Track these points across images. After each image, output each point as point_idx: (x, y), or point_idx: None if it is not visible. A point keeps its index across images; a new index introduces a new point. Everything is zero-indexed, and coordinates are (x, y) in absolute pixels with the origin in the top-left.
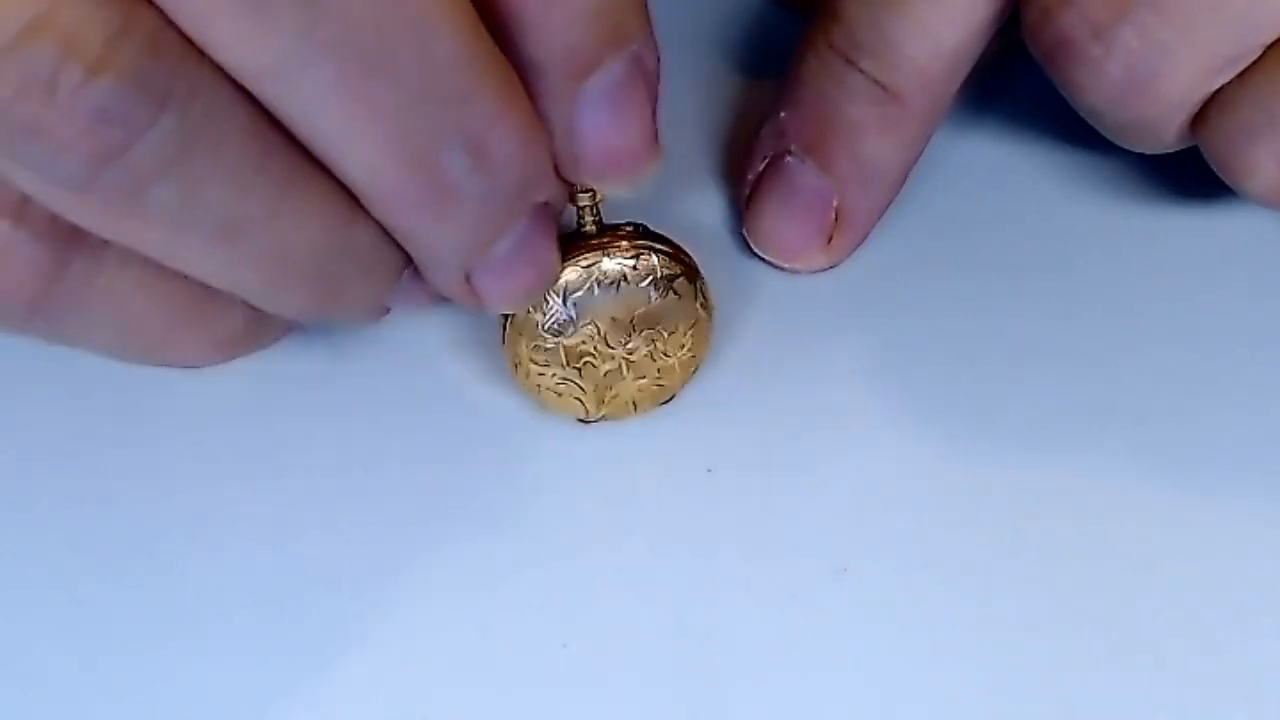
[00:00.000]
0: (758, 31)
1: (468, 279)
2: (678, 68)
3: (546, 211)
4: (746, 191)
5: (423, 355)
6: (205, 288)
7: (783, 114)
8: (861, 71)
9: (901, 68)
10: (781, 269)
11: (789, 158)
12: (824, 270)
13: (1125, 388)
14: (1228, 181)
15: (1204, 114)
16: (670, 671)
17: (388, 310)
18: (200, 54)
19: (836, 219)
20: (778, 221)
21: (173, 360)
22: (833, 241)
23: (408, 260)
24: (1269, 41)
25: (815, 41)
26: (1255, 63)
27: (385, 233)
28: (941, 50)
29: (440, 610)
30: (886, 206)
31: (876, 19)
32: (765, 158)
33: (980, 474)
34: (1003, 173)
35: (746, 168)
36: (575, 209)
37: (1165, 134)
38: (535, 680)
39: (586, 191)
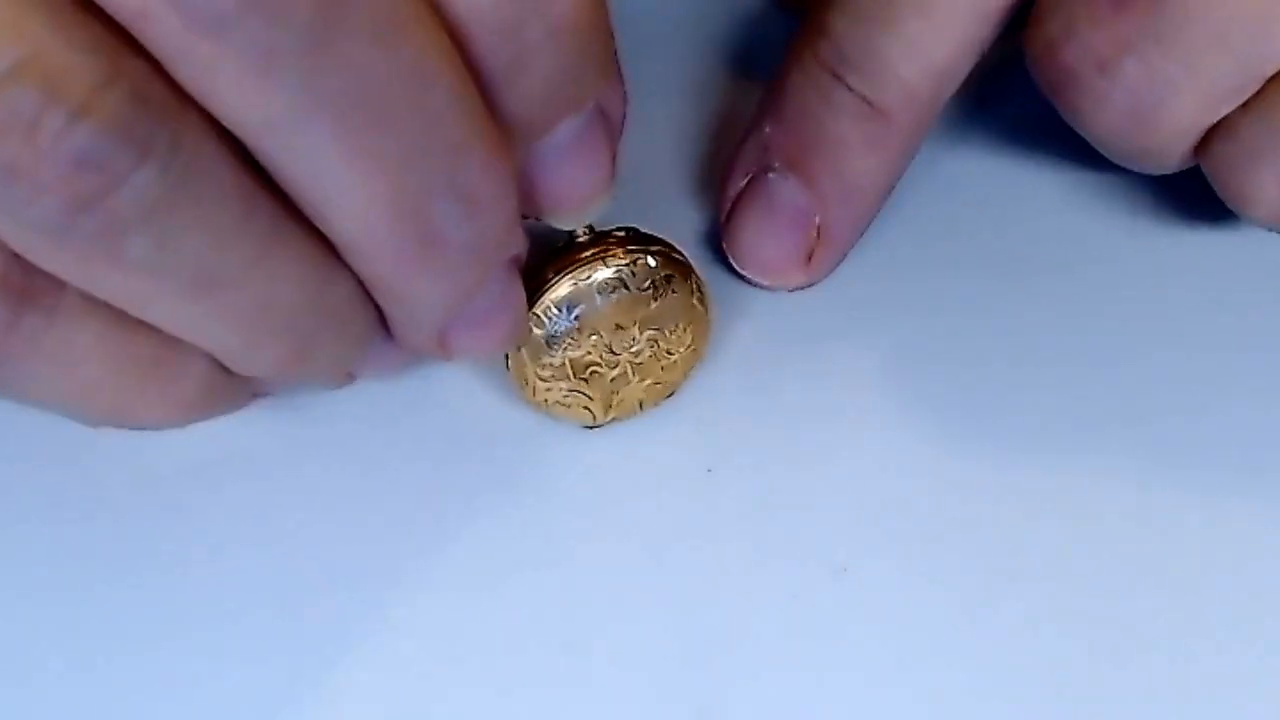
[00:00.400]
0: (754, 32)
1: (441, 336)
2: (674, 69)
3: (516, 262)
4: (727, 207)
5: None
6: (164, 349)
7: (766, 129)
8: (848, 88)
9: (889, 85)
10: (760, 286)
11: (771, 174)
12: (803, 288)
13: (1124, 388)
14: (1230, 205)
15: (1207, 140)
16: (670, 671)
17: (353, 378)
18: (187, 106)
19: (818, 236)
20: (758, 238)
21: (131, 421)
22: (813, 259)
23: (379, 322)
24: (1273, 73)
25: (801, 55)
26: (1259, 91)
27: (360, 291)
28: (931, 68)
29: (440, 610)
30: (867, 225)
31: (866, 35)
32: (748, 173)
33: (981, 474)
34: (1003, 175)
35: (727, 182)
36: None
37: (1169, 159)
38: (535, 680)
39: None
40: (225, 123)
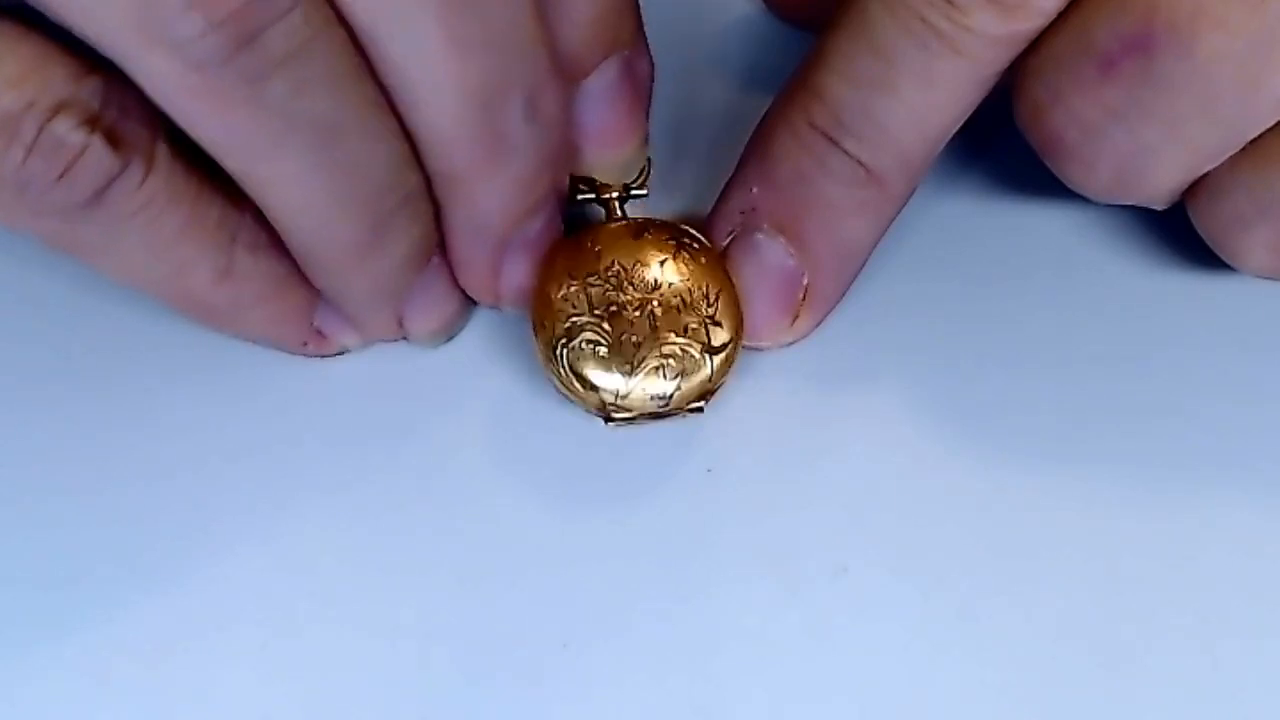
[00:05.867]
0: (746, 37)
1: (495, 266)
2: (663, 74)
3: (560, 199)
4: None
5: (426, 358)
6: (226, 232)
7: (753, 189)
8: (845, 152)
9: (887, 149)
10: (744, 347)
11: (759, 235)
12: (785, 346)
13: (1123, 389)
14: (1220, 255)
15: (1194, 193)
16: (670, 671)
17: (404, 329)
18: None
19: (804, 298)
20: (747, 301)
21: (181, 295)
22: (798, 320)
23: (437, 244)
24: (1256, 136)
25: (793, 119)
26: (1243, 149)
27: (428, 199)
28: (927, 134)
29: (440, 610)
30: (851, 284)
31: (864, 100)
32: (730, 232)
33: (980, 474)
34: (1004, 176)
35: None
36: (605, 211)
37: (1156, 206)
38: (534, 678)
39: (612, 192)
40: (346, 12)
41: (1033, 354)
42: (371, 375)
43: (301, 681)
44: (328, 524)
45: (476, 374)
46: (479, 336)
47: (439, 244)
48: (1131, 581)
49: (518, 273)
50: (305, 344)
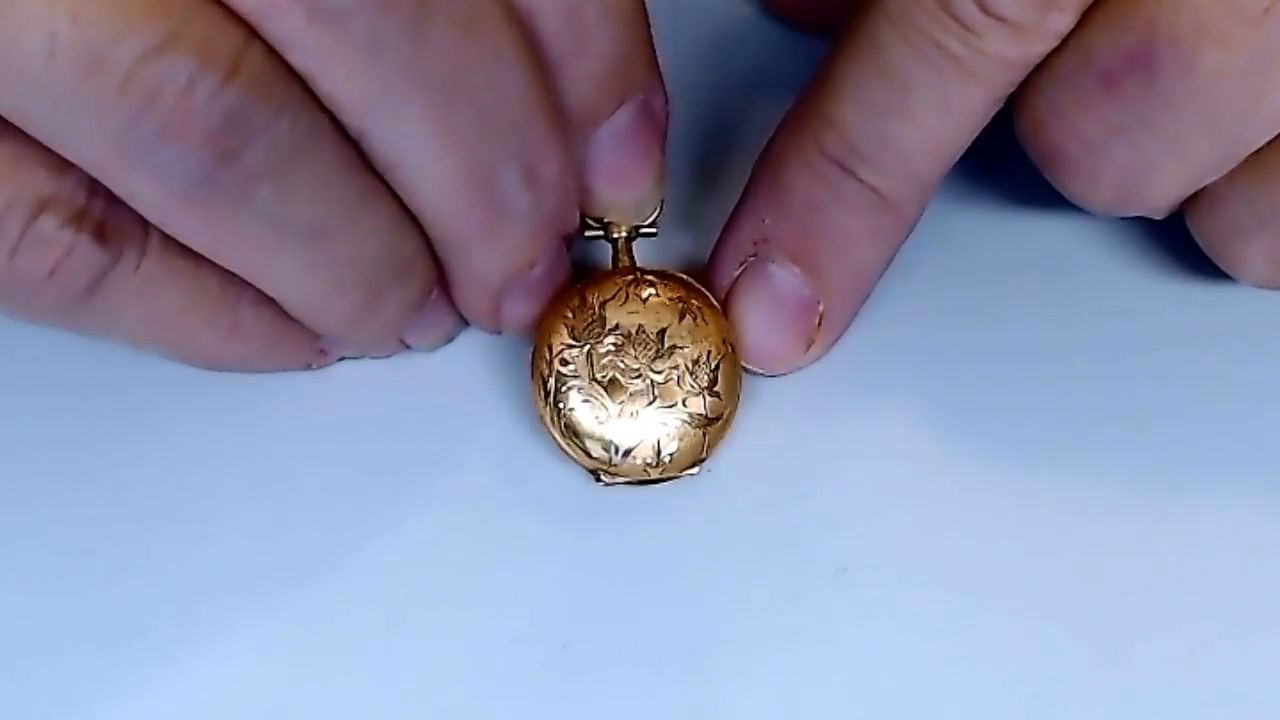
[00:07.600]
0: (753, 45)
1: (495, 304)
2: (670, 79)
3: (566, 243)
4: (720, 297)
5: (425, 359)
6: (229, 296)
7: (765, 220)
8: (860, 180)
9: (902, 175)
10: (756, 374)
11: (772, 265)
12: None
13: (1124, 390)
14: (1219, 265)
15: (1193, 203)
16: (670, 671)
17: (405, 345)
18: (297, 80)
19: (819, 324)
20: (764, 333)
21: (188, 355)
22: (812, 347)
23: (437, 280)
24: (1257, 149)
25: (804, 148)
26: (1243, 160)
27: (424, 249)
28: (941, 157)
29: (440, 609)
30: (863, 305)
31: (880, 127)
32: (741, 262)
33: (980, 474)
34: (1004, 185)
35: (717, 270)
36: (612, 249)
37: (1155, 216)
38: (534, 679)
39: (620, 231)
40: (329, 102)
41: (1032, 355)
42: (371, 377)
43: (302, 683)
44: (328, 526)
45: (477, 375)
46: (478, 336)
47: (439, 278)
48: (1133, 584)
49: (518, 313)
50: (309, 366)
